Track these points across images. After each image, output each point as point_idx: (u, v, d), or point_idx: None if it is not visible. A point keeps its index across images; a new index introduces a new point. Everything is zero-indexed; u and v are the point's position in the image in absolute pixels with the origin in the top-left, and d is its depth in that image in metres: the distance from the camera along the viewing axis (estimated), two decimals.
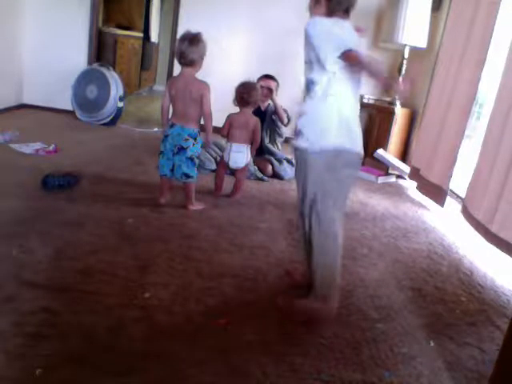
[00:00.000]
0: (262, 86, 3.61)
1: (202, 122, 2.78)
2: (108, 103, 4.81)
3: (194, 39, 2.64)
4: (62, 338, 1.50)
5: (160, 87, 8.29)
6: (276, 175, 3.77)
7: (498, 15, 3.19)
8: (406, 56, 4.65)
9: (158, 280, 1.95)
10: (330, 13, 1.90)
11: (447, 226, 3.26)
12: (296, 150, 1.87)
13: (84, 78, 4.87)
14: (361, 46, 1.87)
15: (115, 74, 4.96)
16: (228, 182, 3.21)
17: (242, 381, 1.44)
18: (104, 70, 4.90)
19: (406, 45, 4.56)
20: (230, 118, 3.09)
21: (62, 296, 1.74)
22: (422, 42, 4.48)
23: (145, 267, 2.04)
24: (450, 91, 3.68)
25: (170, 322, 1.67)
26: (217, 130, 3.19)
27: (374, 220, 3.15)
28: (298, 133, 1.86)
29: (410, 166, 4.39)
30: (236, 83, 3.18)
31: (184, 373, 1.43)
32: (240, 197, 3.18)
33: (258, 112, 3.47)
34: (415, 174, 4.16)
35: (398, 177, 4.46)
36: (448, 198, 3.62)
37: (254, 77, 3.49)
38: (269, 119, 3.86)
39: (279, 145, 4.00)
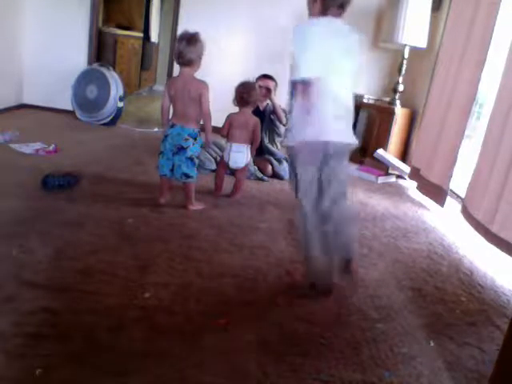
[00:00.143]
0: (260, 86, 3.62)
1: (201, 122, 2.78)
2: (108, 103, 4.81)
3: (191, 39, 2.64)
4: (62, 338, 1.50)
5: (160, 87, 8.29)
6: (276, 175, 3.77)
7: (497, 15, 3.19)
8: (406, 56, 4.65)
9: (158, 280, 1.95)
10: (325, 10, 1.95)
11: (447, 226, 3.26)
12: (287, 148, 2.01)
13: (84, 78, 4.87)
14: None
15: (115, 74, 4.96)
16: (228, 182, 3.21)
17: (241, 381, 1.44)
18: (104, 69, 4.90)
19: (406, 45, 4.56)
20: (230, 118, 3.09)
21: (62, 296, 1.74)
22: (422, 42, 4.49)
23: (145, 267, 2.04)
24: (449, 91, 3.68)
25: (170, 322, 1.67)
26: (216, 129, 3.19)
27: (374, 220, 3.15)
28: (287, 132, 1.99)
29: (410, 165, 4.39)
30: (235, 83, 3.18)
31: (184, 373, 1.43)
32: (240, 197, 3.18)
33: (257, 112, 3.47)
34: (415, 174, 4.16)
35: (398, 177, 4.46)
36: (448, 198, 3.62)
37: (253, 76, 3.50)
38: (267, 119, 3.86)
39: (278, 145, 4.00)
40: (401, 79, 4.69)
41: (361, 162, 4.75)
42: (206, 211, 2.84)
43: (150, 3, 7.96)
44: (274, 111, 3.83)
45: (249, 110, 3.14)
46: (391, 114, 4.57)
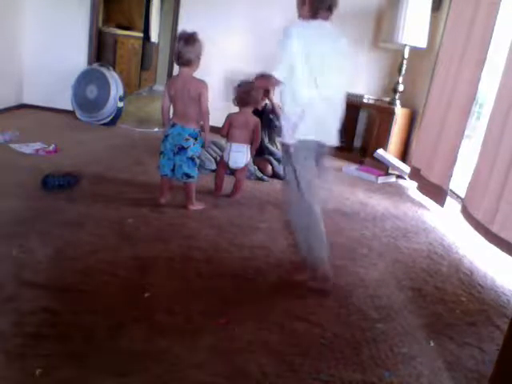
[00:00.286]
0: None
1: (201, 122, 2.78)
2: (108, 103, 4.81)
3: (189, 39, 2.64)
4: (62, 338, 1.50)
5: (160, 87, 8.29)
6: (276, 175, 3.77)
7: (497, 15, 3.19)
8: (406, 56, 4.65)
9: (158, 280, 1.95)
10: (315, 12, 2.01)
11: (447, 226, 3.26)
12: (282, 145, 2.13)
13: (84, 78, 4.87)
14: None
15: (115, 74, 4.96)
16: (228, 182, 3.21)
17: (241, 381, 1.44)
18: (104, 69, 4.90)
19: (406, 45, 4.56)
20: (230, 118, 3.09)
21: (62, 296, 1.74)
22: (422, 42, 4.49)
23: (145, 267, 2.04)
24: (449, 91, 3.68)
25: (170, 322, 1.67)
26: (216, 129, 3.19)
27: (374, 220, 3.15)
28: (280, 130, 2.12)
29: (410, 166, 4.39)
30: (235, 83, 3.18)
31: (184, 373, 1.43)
32: (240, 197, 3.18)
33: (256, 112, 3.47)
34: (415, 174, 4.16)
35: (398, 177, 4.46)
36: (448, 198, 3.62)
37: (252, 76, 3.49)
38: (266, 119, 3.86)
39: (278, 145, 4.00)
40: (401, 79, 4.69)
41: (361, 162, 4.75)
42: (206, 211, 2.84)
43: (150, 3, 7.96)
44: (273, 111, 3.83)
45: (249, 110, 3.14)
46: (391, 114, 4.57)
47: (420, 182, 4.05)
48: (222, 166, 3.18)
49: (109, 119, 4.90)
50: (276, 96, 3.82)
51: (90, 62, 5.17)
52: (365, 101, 4.88)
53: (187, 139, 2.70)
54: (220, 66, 4.92)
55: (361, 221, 3.10)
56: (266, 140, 3.93)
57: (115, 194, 2.87)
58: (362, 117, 5.35)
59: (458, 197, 3.66)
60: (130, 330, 1.59)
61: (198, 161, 2.80)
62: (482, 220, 2.85)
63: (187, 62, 2.66)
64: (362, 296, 2.07)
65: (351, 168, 4.47)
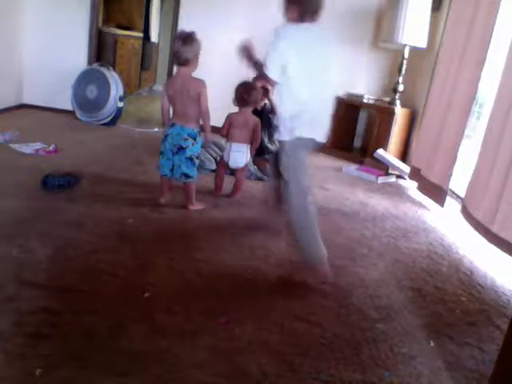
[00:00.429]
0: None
1: (201, 122, 2.78)
2: (108, 103, 4.81)
3: (187, 38, 2.64)
4: (62, 337, 1.50)
5: (160, 87, 8.27)
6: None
7: (497, 15, 3.19)
8: (406, 56, 4.65)
9: (158, 280, 1.95)
10: (301, 16, 2.09)
11: (447, 226, 3.26)
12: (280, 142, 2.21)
13: (84, 78, 4.87)
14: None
15: (115, 74, 4.96)
16: (228, 182, 3.21)
17: (241, 381, 1.44)
18: (104, 69, 4.90)
19: (406, 45, 4.56)
20: (230, 118, 3.09)
21: (62, 296, 1.74)
22: (422, 42, 4.49)
23: (145, 267, 2.04)
24: (450, 91, 3.68)
25: (170, 322, 1.67)
26: (216, 129, 3.19)
27: (374, 220, 3.15)
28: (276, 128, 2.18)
29: (409, 165, 4.39)
30: (235, 82, 3.18)
31: (184, 373, 1.43)
32: (240, 197, 3.18)
33: (255, 112, 3.47)
34: (415, 174, 4.16)
35: (398, 177, 4.46)
36: (448, 198, 3.62)
37: (251, 76, 3.49)
38: (266, 118, 3.86)
39: (277, 143, 3.99)
40: (401, 79, 4.69)
41: (361, 162, 4.75)
42: (206, 211, 2.84)
43: (150, 3, 7.96)
44: (272, 111, 3.83)
45: (249, 110, 3.14)
46: (391, 113, 4.57)
47: (420, 182, 4.05)
48: (222, 165, 3.18)
49: (109, 119, 4.90)
50: (275, 96, 3.83)
51: (89, 62, 5.17)
52: (365, 101, 4.88)
53: (186, 139, 2.70)
54: (220, 65, 4.91)
55: (361, 221, 3.10)
56: (266, 140, 3.92)
57: (115, 194, 2.87)
58: (362, 117, 5.35)
59: (457, 197, 3.66)
60: (130, 330, 1.59)
61: (197, 161, 2.80)
62: (482, 220, 2.85)
63: (185, 62, 2.66)
64: (362, 296, 2.07)
65: (351, 168, 4.47)
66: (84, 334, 1.54)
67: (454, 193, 3.72)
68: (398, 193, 4.01)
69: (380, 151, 4.49)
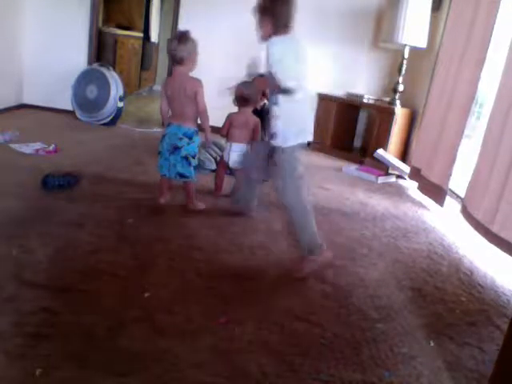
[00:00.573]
0: None
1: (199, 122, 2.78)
2: (108, 103, 4.81)
3: (181, 37, 2.65)
4: (62, 337, 1.51)
5: (160, 87, 8.28)
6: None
7: (497, 15, 3.19)
8: (406, 56, 4.65)
9: (158, 280, 1.95)
10: (276, 29, 2.22)
11: (447, 226, 3.26)
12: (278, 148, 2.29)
13: (84, 78, 4.87)
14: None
15: (115, 74, 4.96)
16: (228, 182, 3.21)
17: (241, 381, 1.44)
18: (104, 69, 4.90)
19: (406, 45, 4.56)
20: (230, 118, 3.09)
21: (62, 296, 1.74)
22: (422, 42, 4.49)
23: (145, 267, 2.04)
24: (450, 91, 3.68)
25: (170, 322, 1.67)
26: (216, 129, 3.19)
27: (374, 220, 3.15)
28: (273, 134, 2.31)
29: (410, 165, 4.39)
30: (235, 82, 3.18)
31: (184, 373, 1.43)
32: None
33: (255, 112, 3.46)
34: (415, 174, 4.16)
35: (398, 177, 4.46)
36: (448, 198, 3.62)
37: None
38: (265, 119, 3.85)
39: None
40: (401, 79, 4.69)
41: (361, 162, 4.75)
42: (206, 211, 2.84)
43: (150, 3, 7.96)
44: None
45: (249, 110, 3.14)
46: (391, 113, 4.57)
47: (420, 182, 4.05)
48: (222, 166, 3.18)
49: (109, 119, 4.90)
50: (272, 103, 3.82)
51: (89, 62, 5.17)
52: (365, 101, 4.88)
53: (181, 138, 2.69)
54: (220, 65, 4.91)
55: (361, 221, 3.10)
56: (266, 139, 3.92)
57: (115, 194, 2.87)
58: (362, 117, 5.35)
59: (457, 197, 3.66)
60: (130, 330, 1.59)
61: (193, 160, 2.78)
62: (482, 220, 2.85)
63: (180, 61, 2.66)
64: (362, 296, 2.07)
65: (351, 168, 4.47)
66: (84, 334, 1.54)
67: (453, 193, 3.72)
68: (398, 193, 4.01)
69: (380, 151, 4.49)
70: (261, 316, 1.80)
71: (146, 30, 7.96)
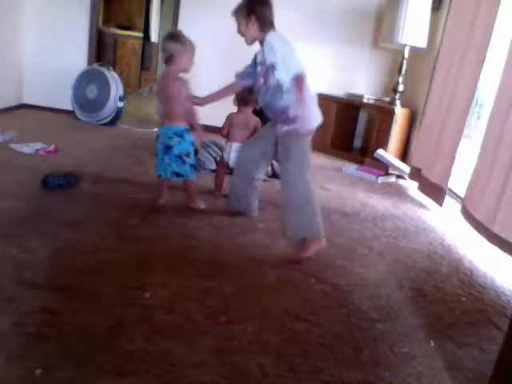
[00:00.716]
0: None
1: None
2: (108, 103, 4.81)
3: (169, 36, 2.68)
4: (62, 337, 1.50)
5: None
6: (276, 175, 3.77)
7: (497, 15, 3.19)
8: (406, 56, 4.65)
9: (158, 280, 1.95)
10: (263, 28, 2.34)
11: (447, 226, 3.26)
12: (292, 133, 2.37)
13: (84, 78, 4.88)
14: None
15: (115, 74, 4.97)
16: (228, 182, 3.20)
17: (241, 381, 1.44)
18: (104, 70, 4.90)
19: (406, 45, 4.56)
20: (231, 118, 3.09)
21: (62, 296, 1.74)
22: (422, 42, 4.49)
23: (145, 267, 2.04)
24: (450, 91, 3.69)
25: (170, 322, 1.67)
26: (216, 129, 3.19)
27: (374, 220, 3.15)
28: (294, 118, 2.34)
29: (410, 165, 4.39)
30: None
31: (184, 373, 1.43)
32: None
33: (254, 112, 3.46)
34: (415, 174, 4.16)
35: (398, 177, 4.47)
36: (448, 198, 3.62)
37: None
38: (265, 118, 3.85)
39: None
40: (401, 79, 4.69)
41: (361, 162, 4.75)
42: (206, 211, 2.84)
43: (150, 3, 7.96)
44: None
45: (249, 110, 3.14)
46: (391, 113, 4.57)
47: (420, 182, 4.05)
48: (222, 166, 3.18)
49: (109, 119, 4.90)
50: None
51: (89, 62, 5.18)
52: (365, 101, 4.88)
53: (171, 137, 2.69)
54: (220, 65, 4.91)
55: (361, 221, 3.10)
56: None
57: (115, 194, 2.87)
58: (362, 117, 5.35)
59: (457, 197, 3.66)
60: (130, 330, 1.59)
61: (188, 159, 2.75)
62: (482, 220, 2.85)
63: (168, 60, 2.66)
64: (362, 296, 2.07)
65: (351, 168, 4.47)
66: (84, 334, 1.54)
67: (454, 193, 3.72)
68: (398, 193, 4.01)
69: (380, 151, 4.49)
70: (261, 316, 1.80)
71: (146, 30, 7.97)
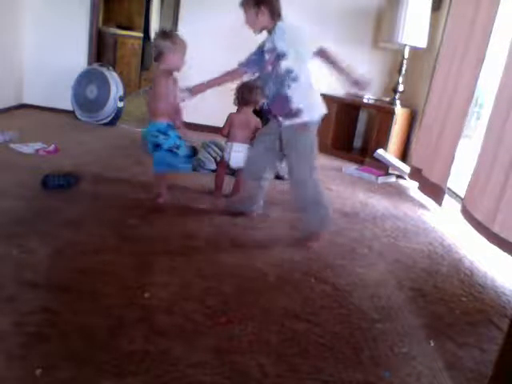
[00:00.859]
0: None
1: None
2: (108, 103, 4.81)
3: (160, 34, 2.69)
4: (62, 337, 1.51)
5: None
6: (276, 175, 3.76)
7: (497, 14, 3.19)
8: (406, 56, 4.65)
9: (158, 280, 1.95)
10: (273, 17, 2.39)
11: (447, 226, 3.26)
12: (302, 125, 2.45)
13: (84, 78, 4.87)
14: None
15: (115, 74, 4.96)
16: (228, 182, 3.21)
17: (241, 381, 1.44)
18: (104, 70, 4.90)
19: (406, 45, 4.56)
20: (231, 118, 3.08)
21: (62, 296, 1.74)
22: (422, 42, 4.49)
23: (145, 267, 2.04)
24: (450, 91, 3.68)
25: (170, 322, 1.67)
26: (216, 129, 3.19)
27: (374, 220, 3.15)
28: (297, 111, 2.42)
29: (410, 165, 4.39)
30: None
31: (184, 373, 1.43)
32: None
33: (254, 112, 3.46)
34: (415, 174, 4.16)
35: (398, 177, 4.46)
36: (448, 198, 3.62)
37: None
38: (264, 119, 3.85)
39: None
40: (401, 79, 4.69)
41: (361, 162, 4.75)
42: (205, 211, 2.84)
43: (150, 3, 7.96)
44: (269, 111, 3.80)
45: (249, 110, 3.14)
46: (391, 113, 4.57)
47: (420, 182, 4.05)
48: (223, 166, 3.18)
49: (109, 119, 4.90)
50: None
51: (89, 62, 5.17)
52: (365, 101, 4.88)
53: (156, 136, 2.69)
54: (220, 65, 4.91)
55: (361, 221, 3.10)
56: None
57: (115, 194, 2.87)
58: (362, 117, 5.35)
59: (457, 196, 3.66)
60: (130, 330, 1.59)
61: (179, 150, 2.74)
62: (482, 220, 2.85)
63: (158, 57, 2.67)
64: (362, 296, 2.07)
65: (351, 168, 4.47)
66: (84, 334, 1.54)
67: (454, 192, 3.72)
68: (398, 193, 4.01)
69: (380, 151, 4.49)
70: (261, 316, 1.80)
71: (146, 30, 7.96)
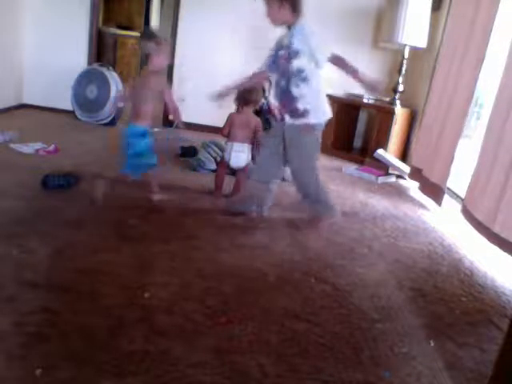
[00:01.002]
0: None
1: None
2: (108, 103, 4.81)
3: (145, 35, 2.75)
4: (62, 337, 1.51)
5: None
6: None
7: (497, 14, 3.19)
8: (406, 56, 4.65)
9: (158, 280, 1.95)
10: (295, 14, 2.40)
11: (447, 226, 3.26)
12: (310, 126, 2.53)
13: (84, 78, 4.88)
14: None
15: (115, 74, 4.96)
16: (228, 182, 3.20)
17: (241, 381, 1.44)
18: (104, 70, 4.90)
19: (405, 45, 4.56)
20: (231, 118, 3.08)
21: (62, 296, 1.74)
22: (422, 42, 4.49)
23: (145, 267, 2.04)
24: (449, 91, 3.68)
25: (170, 322, 1.67)
26: (217, 129, 3.19)
27: (374, 220, 3.15)
28: (304, 112, 2.48)
29: (410, 165, 4.39)
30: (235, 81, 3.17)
31: (184, 373, 1.43)
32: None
33: (254, 112, 3.46)
34: (415, 174, 4.16)
35: (398, 177, 4.46)
36: (448, 198, 3.62)
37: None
38: (264, 119, 3.85)
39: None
40: (401, 79, 4.69)
41: (361, 162, 4.75)
42: (206, 211, 2.84)
43: (150, 3, 7.96)
44: (269, 111, 3.82)
45: (250, 110, 3.14)
46: (391, 113, 4.57)
47: (420, 182, 4.05)
48: (223, 166, 3.18)
49: (109, 119, 4.90)
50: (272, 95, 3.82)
51: (89, 62, 5.18)
52: (365, 101, 4.88)
53: (133, 137, 2.68)
54: (221, 65, 4.91)
55: (361, 221, 3.10)
56: None
57: (115, 194, 2.87)
58: (362, 117, 5.35)
59: (457, 196, 3.66)
60: (130, 330, 1.59)
61: (144, 158, 2.73)
62: (482, 220, 2.85)
63: (147, 57, 2.66)
64: (362, 296, 2.07)
65: (351, 168, 4.47)
66: (84, 334, 1.54)
67: (454, 193, 3.72)
68: (398, 193, 4.01)
69: (380, 151, 4.49)
70: (261, 316, 1.80)
71: None
